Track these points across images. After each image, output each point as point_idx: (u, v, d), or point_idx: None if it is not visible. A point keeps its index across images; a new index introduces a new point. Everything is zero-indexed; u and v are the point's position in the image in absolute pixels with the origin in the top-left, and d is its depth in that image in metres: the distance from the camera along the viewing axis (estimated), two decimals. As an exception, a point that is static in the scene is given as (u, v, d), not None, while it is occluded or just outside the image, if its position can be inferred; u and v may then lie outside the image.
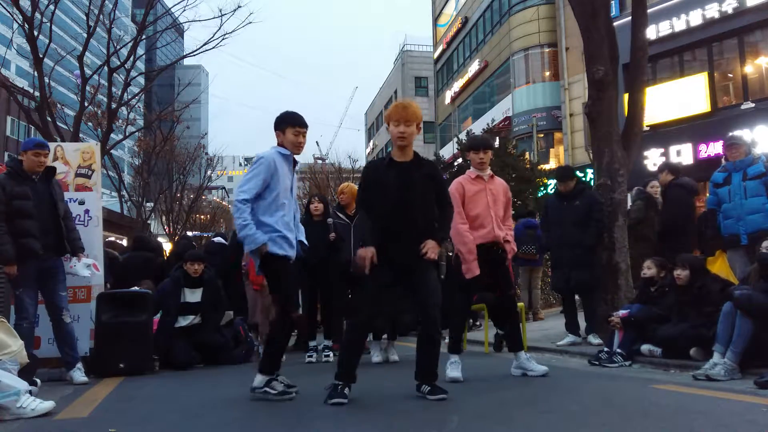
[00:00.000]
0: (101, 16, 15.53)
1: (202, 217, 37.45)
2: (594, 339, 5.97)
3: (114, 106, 15.51)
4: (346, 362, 3.51)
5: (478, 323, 8.46)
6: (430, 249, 3.45)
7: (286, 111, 3.92)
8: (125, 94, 16.42)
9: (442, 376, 3.88)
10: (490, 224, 4.31)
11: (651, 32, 13.12)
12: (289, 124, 3.83)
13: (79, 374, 4.85)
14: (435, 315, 3.52)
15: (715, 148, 13.78)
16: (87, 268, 5.07)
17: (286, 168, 3.83)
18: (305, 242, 3.96)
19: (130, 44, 16.22)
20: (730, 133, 7.01)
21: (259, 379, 3.66)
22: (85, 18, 15.50)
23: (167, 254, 9.77)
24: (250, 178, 3.70)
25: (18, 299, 4.69)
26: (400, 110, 3.56)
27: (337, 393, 3.38)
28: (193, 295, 6.05)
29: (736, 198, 5.40)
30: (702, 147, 14.16)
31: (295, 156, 3.89)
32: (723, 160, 5.92)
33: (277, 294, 3.78)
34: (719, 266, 5.57)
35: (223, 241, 8.37)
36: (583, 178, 12.80)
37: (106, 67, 15.31)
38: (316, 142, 64.57)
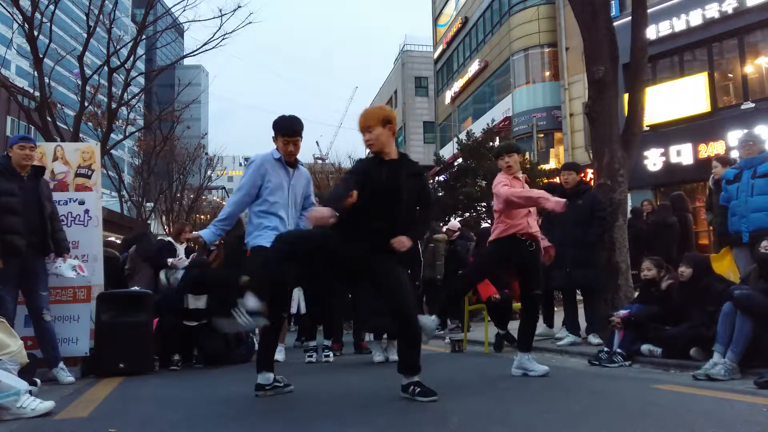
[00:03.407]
0: (101, 16, 15.55)
1: (202, 217, 37.46)
2: (594, 339, 5.97)
3: (114, 106, 15.53)
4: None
5: (454, 325, 8.49)
6: (398, 243, 3.40)
7: (280, 117, 3.96)
8: (125, 94, 16.44)
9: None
10: (525, 218, 4.43)
11: (651, 32, 13.12)
12: (279, 133, 3.93)
13: (64, 374, 4.80)
14: (409, 312, 3.48)
15: (715, 148, 13.80)
16: (72, 269, 4.95)
17: (281, 171, 3.92)
18: None
19: (130, 44, 16.24)
20: (747, 131, 6.91)
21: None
22: (85, 18, 15.51)
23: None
24: (241, 180, 3.96)
25: None
26: (360, 119, 3.60)
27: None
28: (197, 302, 6.05)
29: (742, 195, 5.32)
30: (702, 147, 14.17)
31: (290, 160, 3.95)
32: (738, 157, 5.88)
33: None
34: (727, 263, 5.54)
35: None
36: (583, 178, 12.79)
37: (106, 67, 15.34)
38: (316, 142, 64.68)
